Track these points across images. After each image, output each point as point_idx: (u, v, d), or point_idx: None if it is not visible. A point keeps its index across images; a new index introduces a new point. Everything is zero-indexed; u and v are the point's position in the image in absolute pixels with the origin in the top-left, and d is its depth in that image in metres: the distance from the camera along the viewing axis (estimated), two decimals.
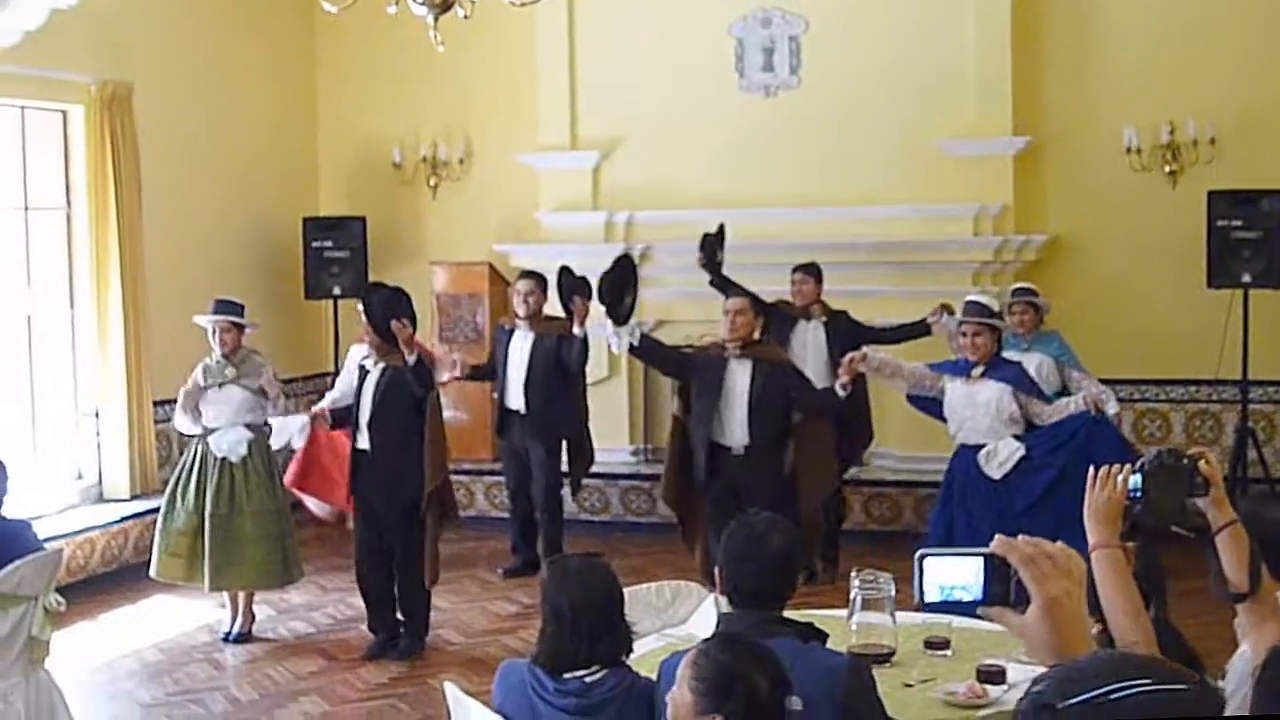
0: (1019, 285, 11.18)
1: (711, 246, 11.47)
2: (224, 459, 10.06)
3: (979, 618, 2.51)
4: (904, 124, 12.88)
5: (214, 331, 10.11)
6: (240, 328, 10.16)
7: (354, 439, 9.77)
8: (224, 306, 10.16)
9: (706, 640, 4.28)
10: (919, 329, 11.14)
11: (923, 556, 2.54)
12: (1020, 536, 2.49)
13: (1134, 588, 3.88)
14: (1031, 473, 8.97)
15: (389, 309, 9.54)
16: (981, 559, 2.48)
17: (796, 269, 11.47)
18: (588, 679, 4.89)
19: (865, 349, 9.72)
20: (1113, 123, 12.62)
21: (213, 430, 10.11)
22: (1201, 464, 4.03)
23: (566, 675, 4.90)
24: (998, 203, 12.71)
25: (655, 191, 13.51)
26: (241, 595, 10.30)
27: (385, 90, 14.47)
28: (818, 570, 10.79)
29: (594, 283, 10.88)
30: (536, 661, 5.03)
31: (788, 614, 5.06)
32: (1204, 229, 11.87)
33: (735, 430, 9.73)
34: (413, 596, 9.86)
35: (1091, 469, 4.05)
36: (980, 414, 9.07)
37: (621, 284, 10.50)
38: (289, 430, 10.12)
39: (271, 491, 10.21)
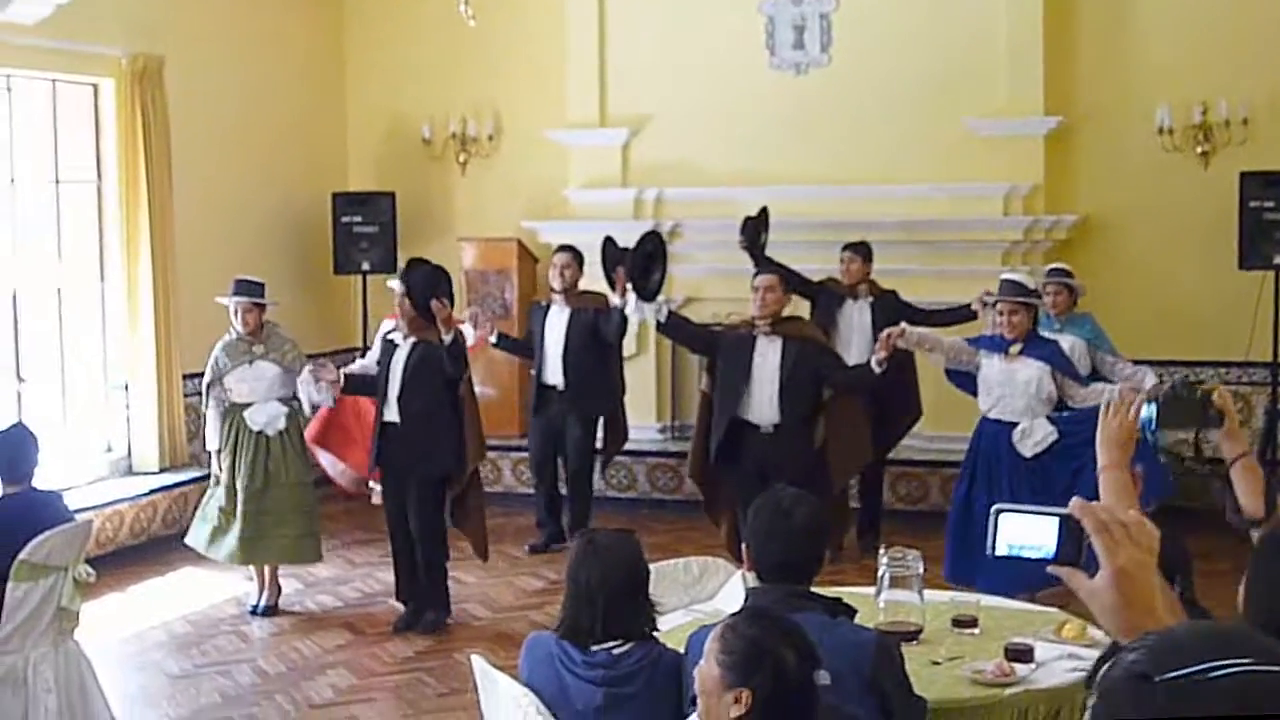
0: (1054, 266, 11.10)
1: (754, 229, 11.43)
2: (260, 433, 10.10)
3: (1049, 576, 2.52)
4: (935, 103, 12.84)
5: (236, 311, 10.13)
6: (261, 307, 10.18)
7: (381, 411, 9.79)
8: (244, 287, 10.17)
9: (734, 615, 4.29)
10: (964, 313, 10.99)
11: (999, 511, 2.55)
12: (1096, 502, 2.49)
13: (1136, 508, 3.90)
14: (1064, 458, 8.94)
15: (430, 287, 9.56)
16: (1057, 519, 2.49)
17: (846, 247, 11.42)
18: (615, 651, 4.89)
19: (903, 324, 9.67)
20: (1145, 103, 12.55)
21: (246, 405, 10.14)
22: (1215, 396, 4.05)
23: (594, 648, 4.90)
24: (1028, 182, 12.67)
25: (684, 168, 13.50)
26: (268, 568, 10.34)
27: (415, 66, 14.46)
28: (842, 546, 10.81)
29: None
30: (557, 632, 5.05)
31: (816, 590, 5.06)
32: (1236, 210, 11.82)
33: (764, 408, 9.70)
34: (433, 571, 9.91)
35: (1105, 395, 4.10)
36: (1018, 393, 9.04)
37: (649, 260, 10.49)
38: (305, 388, 10.08)
39: (305, 465, 10.27)
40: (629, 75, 13.65)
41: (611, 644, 4.90)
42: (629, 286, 10.63)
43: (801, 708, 3.98)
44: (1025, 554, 2.53)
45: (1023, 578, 7.87)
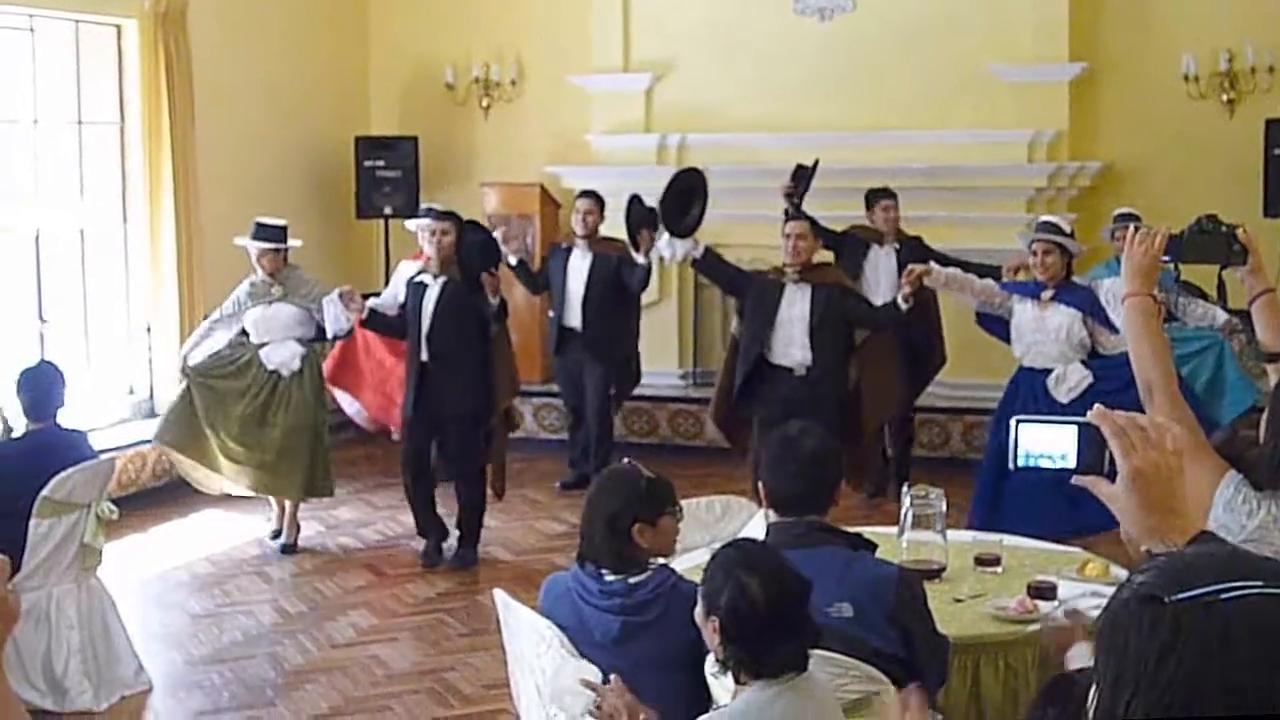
0: (1120, 211, 11.06)
1: (807, 179, 11.32)
2: (274, 372, 10.12)
3: (1072, 485, 2.52)
4: (960, 49, 12.78)
5: (255, 256, 10.15)
6: (279, 251, 10.19)
7: (415, 352, 9.84)
8: (262, 232, 10.17)
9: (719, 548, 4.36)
10: (991, 273, 10.82)
11: (1018, 422, 2.56)
12: (1116, 410, 2.50)
13: (1162, 333, 4.00)
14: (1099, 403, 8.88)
15: (484, 260, 9.70)
16: (1075, 428, 2.50)
17: (886, 194, 11.38)
18: (630, 580, 4.90)
19: (931, 263, 9.60)
20: (1170, 50, 12.49)
21: (263, 345, 10.16)
22: (1240, 233, 4.10)
23: (609, 578, 4.92)
24: (1052, 129, 12.62)
25: (708, 114, 13.46)
26: (287, 505, 10.38)
27: (438, 10, 14.44)
28: (884, 492, 10.88)
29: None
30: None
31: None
32: (1261, 157, 11.79)
33: (793, 352, 9.70)
34: (472, 506, 10.02)
35: (1132, 228, 4.15)
36: (1050, 339, 9.00)
37: (687, 196, 10.42)
38: (331, 308, 10.12)
39: (311, 409, 10.22)
40: (652, 20, 13.61)
41: (625, 574, 4.91)
42: (653, 243, 10.68)
43: (771, 634, 4.03)
44: (1045, 464, 2.53)
45: (1050, 524, 7.88)
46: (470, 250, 9.68)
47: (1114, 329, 9.08)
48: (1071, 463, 2.52)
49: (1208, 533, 2.50)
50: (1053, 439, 2.54)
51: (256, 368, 10.15)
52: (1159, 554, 2.17)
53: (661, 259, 11.11)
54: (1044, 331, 9.02)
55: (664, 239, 10.48)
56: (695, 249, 10.22)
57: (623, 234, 11.14)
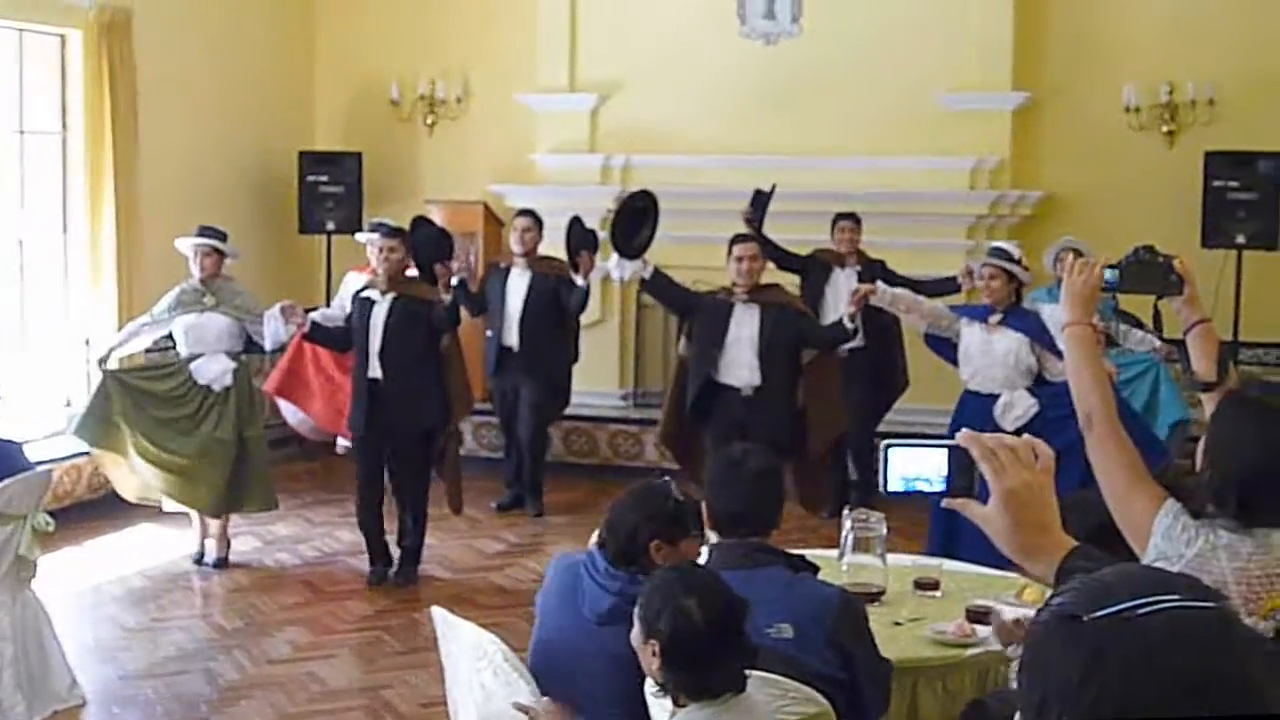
0: (1069, 238, 11.15)
1: (764, 204, 11.33)
2: (206, 386, 10.08)
3: (941, 508, 2.55)
4: (904, 76, 12.84)
5: (195, 255, 10.12)
6: (221, 255, 10.17)
7: (363, 368, 9.78)
8: (208, 231, 10.18)
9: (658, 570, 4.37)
10: (949, 285, 10.95)
11: (888, 446, 2.58)
12: (985, 433, 2.54)
13: (1101, 362, 4.13)
14: (1046, 433, 8.90)
15: (437, 250, 9.74)
16: (945, 450, 2.52)
17: (842, 216, 11.52)
18: (640, 575, 4.90)
19: (878, 283, 9.70)
20: (1112, 81, 12.59)
21: (195, 357, 10.12)
22: (1177, 263, 4.18)
23: (617, 570, 4.92)
24: (995, 157, 12.70)
25: (653, 136, 13.47)
26: (213, 522, 10.31)
27: (384, 26, 14.41)
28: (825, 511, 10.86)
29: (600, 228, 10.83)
30: None
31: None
32: (1199, 189, 11.88)
33: (741, 371, 9.72)
34: (416, 524, 10.01)
35: (1070, 256, 4.22)
36: (998, 364, 9.06)
37: (638, 217, 10.41)
38: (272, 323, 10.08)
39: (234, 424, 10.15)
40: (599, 40, 13.62)
41: (636, 569, 4.90)
42: (592, 265, 10.71)
43: (711, 654, 4.06)
44: (919, 487, 2.56)
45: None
46: (424, 244, 9.69)
47: (1060, 355, 9.13)
48: (943, 485, 2.55)
49: (1081, 548, 2.55)
50: (924, 463, 2.56)
51: (185, 377, 10.11)
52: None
53: (609, 279, 11.11)
54: (991, 355, 9.08)
55: (613, 259, 10.46)
56: (644, 269, 10.22)
57: (563, 253, 11.14)
